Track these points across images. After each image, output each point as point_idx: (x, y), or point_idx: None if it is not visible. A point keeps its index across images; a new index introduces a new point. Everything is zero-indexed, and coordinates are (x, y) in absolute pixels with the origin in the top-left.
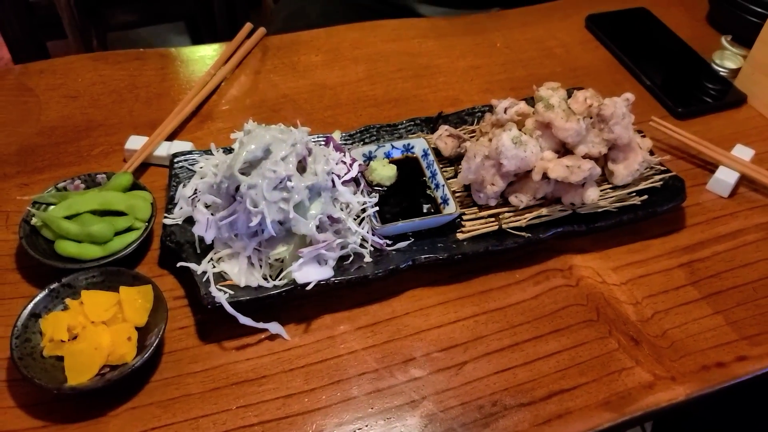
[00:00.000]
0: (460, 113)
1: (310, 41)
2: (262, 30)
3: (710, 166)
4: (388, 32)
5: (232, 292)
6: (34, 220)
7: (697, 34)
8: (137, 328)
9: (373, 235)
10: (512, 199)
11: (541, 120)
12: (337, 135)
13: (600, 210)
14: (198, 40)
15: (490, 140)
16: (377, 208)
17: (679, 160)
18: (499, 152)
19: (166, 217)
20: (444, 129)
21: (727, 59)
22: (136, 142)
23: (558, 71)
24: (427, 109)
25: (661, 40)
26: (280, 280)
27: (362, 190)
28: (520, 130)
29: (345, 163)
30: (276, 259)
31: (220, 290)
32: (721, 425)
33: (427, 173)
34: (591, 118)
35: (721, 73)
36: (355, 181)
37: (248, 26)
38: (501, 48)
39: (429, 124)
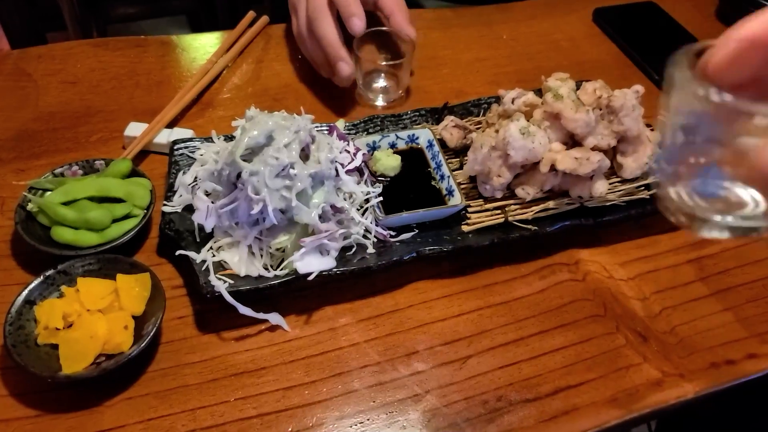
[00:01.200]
0: (466, 104)
1: None
2: (265, 18)
3: None
4: None
5: (231, 282)
6: (30, 206)
7: (706, 29)
8: (134, 317)
9: (376, 225)
10: (519, 191)
11: (550, 111)
12: (340, 124)
13: (608, 204)
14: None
15: (497, 131)
16: (381, 199)
17: None
18: (506, 143)
19: (165, 205)
20: (450, 120)
21: None
22: (135, 129)
23: (564, 65)
24: (431, 101)
25: (669, 34)
26: (281, 270)
27: (366, 180)
28: (527, 121)
29: (349, 152)
30: (277, 249)
31: (219, 279)
32: (727, 423)
33: (432, 164)
34: (600, 109)
35: None
36: (359, 170)
37: (251, 14)
38: (507, 40)
39: (434, 115)
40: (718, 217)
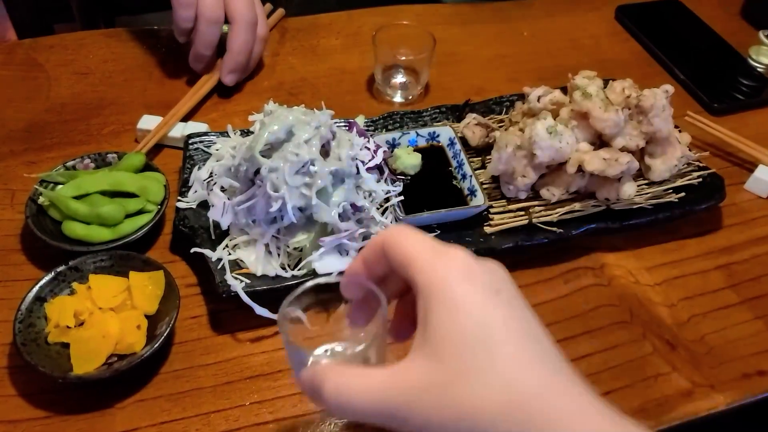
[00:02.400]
0: (488, 102)
1: (330, 24)
2: (281, 11)
3: (748, 165)
4: (410, 17)
5: (248, 281)
6: (41, 199)
7: (731, 28)
8: (147, 316)
9: None
10: (544, 192)
11: (578, 109)
12: (360, 120)
13: (635, 207)
14: None
15: (522, 130)
16: (402, 198)
17: (714, 157)
18: (532, 142)
19: (179, 201)
20: (472, 117)
21: (763, 55)
22: (148, 122)
23: (586, 63)
24: (450, 98)
25: (694, 33)
26: (299, 269)
27: (386, 179)
28: (554, 119)
29: (369, 149)
30: (295, 248)
31: (235, 278)
32: None
33: (453, 163)
34: (629, 109)
35: (758, 69)
36: (379, 168)
37: (267, 7)
38: (528, 37)
39: (455, 112)
40: None
